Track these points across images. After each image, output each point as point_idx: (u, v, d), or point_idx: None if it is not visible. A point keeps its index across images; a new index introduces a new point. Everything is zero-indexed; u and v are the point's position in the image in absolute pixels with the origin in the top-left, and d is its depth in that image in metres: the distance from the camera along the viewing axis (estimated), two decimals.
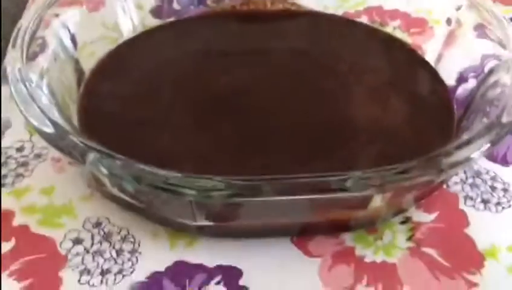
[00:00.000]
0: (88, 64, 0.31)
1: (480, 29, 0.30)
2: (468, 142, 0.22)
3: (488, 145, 0.22)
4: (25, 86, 0.24)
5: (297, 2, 0.36)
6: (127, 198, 0.25)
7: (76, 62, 0.30)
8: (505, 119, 0.23)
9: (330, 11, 0.36)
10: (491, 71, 0.27)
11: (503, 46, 0.27)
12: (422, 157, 0.22)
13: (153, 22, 0.35)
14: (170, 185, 0.21)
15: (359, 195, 0.22)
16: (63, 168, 0.28)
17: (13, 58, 0.25)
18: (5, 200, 0.26)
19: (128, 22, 0.34)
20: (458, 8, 0.31)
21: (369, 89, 0.30)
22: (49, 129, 0.23)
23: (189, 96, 0.30)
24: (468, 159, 0.22)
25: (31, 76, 0.25)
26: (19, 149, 0.29)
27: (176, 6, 0.36)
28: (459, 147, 0.22)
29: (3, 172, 0.27)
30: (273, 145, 0.27)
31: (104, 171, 0.21)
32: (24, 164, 0.28)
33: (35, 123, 0.23)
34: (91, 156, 0.22)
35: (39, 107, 0.23)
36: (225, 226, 0.25)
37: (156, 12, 0.36)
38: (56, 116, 0.24)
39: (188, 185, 0.20)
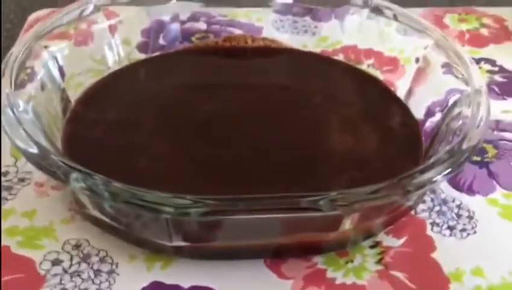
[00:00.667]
0: (74, 94, 0.32)
1: (447, 68, 0.32)
2: (431, 166, 0.24)
3: (450, 169, 0.24)
4: (12, 110, 0.25)
5: (277, 39, 0.38)
6: (107, 220, 0.25)
7: (63, 92, 0.31)
8: (465, 146, 0.25)
9: (309, 48, 0.38)
10: (455, 104, 0.29)
11: (466, 83, 0.29)
12: (389, 181, 0.23)
13: (139, 57, 0.37)
14: (148, 203, 0.22)
15: (330, 215, 0.23)
16: (45, 192, 0.29)
17: (2, 84, 0.27)
18: None
19: (115, 56, 0.36)
20: (426, 48, 0.33)
21: (344, 122, 0.32)
22: (33, 150, 0.24)
23: (170, 125, 0.31)
24: (431, 182, 0.23)
25: (19, 102, 0.26)
26: (4, 174, 0.30)
27: (161, 42, 0.38)
28: (423, 171, 0.23)
29: None
30: (250, 171, 0.28)
31: (85, 189, 0.22)
32: (8, 188, 0.29)
33: (21, 145, 0.24)
34: (73, 175, 0.23)
35: (24, 130, 0.24)
36: (201, 247, 0.26)
37: (142, 47, 0.37)
38: (41, 139, 0.25)
39: (165, 203, 0.22)
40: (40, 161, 0.23)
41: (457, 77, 0.30)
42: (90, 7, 0.34)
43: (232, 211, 0.22)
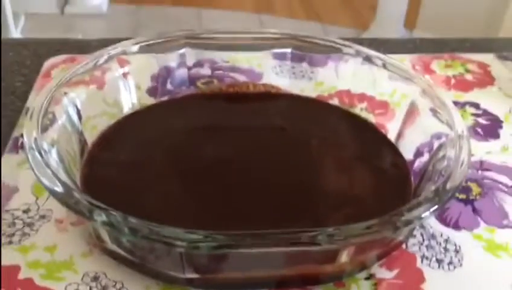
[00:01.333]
0: (90, 136, 0.35)
1: (433, 112, 0.34)
2: (418, 205, 0.26)
3: (435, 207, 0.26)
4: (40, 153, 0.28)
5: (276, 85, 0.41)
6: (123, 253, 0.28)
7: (81, 134, 0.34)
8: (448, 186, 0.27)
9: (306, 93, 0.41)
10: (440, 147, 0.32)
11: (450, 127, 0.32)
12: (380, 218, 0.26)
13: (149, 100, 0.39)
14: (164, 237, 0.24)
15: (328, 248, 0.25)
16: (65, 228, 0.31)
17: (29, 129, 0.29)
18: (12, 256, 0.29)
19: (127, 100, 0.38)
20: (414, 94, 0.36)
21: (338, 162, 0.35)
22: (59, 189, 0.26)
23: (179, 166, 0.34)
24: (418, 218, 0.26)
25: (44, 145, 0.29)
26: (25, 211, 0.32)
27: (169, 87, 0.41)
28: (410, 209, 0.26)
29: (11, 231, 0.31)
30: (251, 210, 0.30)
31: (106, 224, 0.25)
32: (30, 224, 0.31)
33: (48, 184, 0.26)
34: (96, 212, 0.25)
35: (51, 171, 0.27)
36: (211, 278, 0.28)
37: (151, 92, 0.40)
38: (65, 178, 0.28)
39: (179, 237, 0.24)
40: (66, 199, 0.26)
41: (442, 122, 0.33)
42: (104, 57, 0.37)
43: (239, 245, 0.24)
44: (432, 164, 0.31)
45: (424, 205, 0.26)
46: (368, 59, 0.39)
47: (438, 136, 0.33)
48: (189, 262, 0.26)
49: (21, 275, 0.28)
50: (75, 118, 0.34)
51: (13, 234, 0.30)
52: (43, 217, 0.32)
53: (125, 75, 0.38)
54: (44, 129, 0.31)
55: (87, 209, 0.25)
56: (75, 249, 0.30)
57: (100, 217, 0.25)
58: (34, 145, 0.28)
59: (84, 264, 0.29)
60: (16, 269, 0.29)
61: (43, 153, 0.28)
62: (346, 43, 0.40)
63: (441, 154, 0.31)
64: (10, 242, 0.30)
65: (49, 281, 0.28)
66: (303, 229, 0.25)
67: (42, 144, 0.29)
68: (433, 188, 0.28)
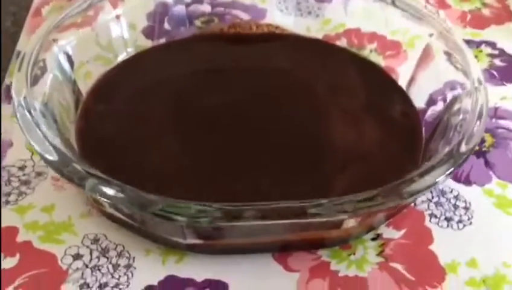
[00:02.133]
0: (84, 85, 0.33)
1: (447, 56, 0.32)
2: (429, 170, 0.25)
3: (448, 172, 0.25)
4: (30, 113, 0.26)
5: (280, 25, 0.38)
6: (123, 217, 0.27)
7: (74, 83, 0.32)
8: (463, 148, 0.26)
9: (312, 33, 0.38)
10: (456, 98, 0.30)
11: (465, 74, 0.30)
12: (387, 186, 0.24)
13: (145, 42, 0.37)
14: (162, 211, 0.23)
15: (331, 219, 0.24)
16: (62, 186, 0.30)
17: (18, 82, 0.27)
18: (10, 217, 0.28)
19: (122, 42, 0.36)
20: (430, 35, 0.34)
21: (344, 111, 0.33)
22: (51, 156, 0.25)
23: (178, 116, 0.32)
24: (429, 186, 0.25)
25: (34, 102, 0.27)
26: (21, 168, 0.31)
27: (166, 26, 0.38)
28: (421, 175, 0.25)
29: (7, 190, 0.30)
30: (254, 164, 0.29)
31: (101, 196, 0.24)
32: (26, 182, 0.30)
33: (39, 149, 0.25)
34: (90, 182, 0.24)
35: (42, 133, 0.25)
36: (213, 244, 0.27)
37: (147, 32, 0.37)
38: (57, 141, 0.26)
39: (178, 212, 0.23)
40: (58, 166, 0.25)
41: (457, 68, 0.31)
42: None
43: (240, 218, 0.23)
44: (446, 116, 0.30)
45: (435, 171, 0.25)
46: None
47: (452, 85, 0.31)
48: (191, 229, 0.25)
49: (19, 238, 0.28)
50: (66, 66, 0.32)
51: (10, 193, 0.30)
52: (39, 174, 0.31)
53: (118, 15, 0.36)
54: (34, 82, 0.29)
55: (80, 178, 0.24)
56: (74, 209, 0.29)
57: (94, 190, 0.24)
58: (23, 104, 0.27)
59: (83, 225, 0.28)
60: (14, 231, 0.28)
61: (33, 112, 0.26)
62: None
63: (456, 106, 0.29)
64: (7, 202, 0.29)
65: (48, 244, 0.28)
66: (305, 202, 0.23)
67: (32, 101, 0.27)
68: (446, 150, 0.26)
